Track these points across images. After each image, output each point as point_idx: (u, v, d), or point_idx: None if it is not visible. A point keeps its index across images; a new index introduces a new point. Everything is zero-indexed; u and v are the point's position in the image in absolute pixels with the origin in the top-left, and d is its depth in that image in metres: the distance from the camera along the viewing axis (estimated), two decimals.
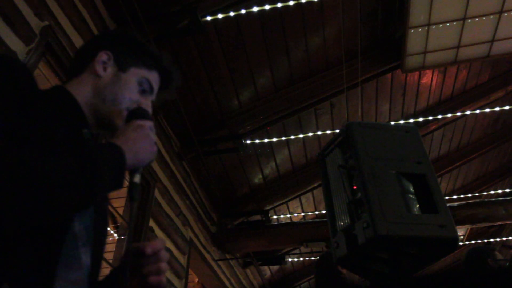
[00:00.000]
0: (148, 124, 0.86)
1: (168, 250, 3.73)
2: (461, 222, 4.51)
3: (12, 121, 0.68)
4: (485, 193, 6.97)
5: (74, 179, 0.65)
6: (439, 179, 4.99)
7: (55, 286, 0.68)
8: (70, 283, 0.72)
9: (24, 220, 0.61)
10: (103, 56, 0.95)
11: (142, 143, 0.82)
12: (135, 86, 0.96)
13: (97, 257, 0.82)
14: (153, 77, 1.00)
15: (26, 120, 0.70)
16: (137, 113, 0.89)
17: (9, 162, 0.59)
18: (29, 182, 0.59)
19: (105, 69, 0.94)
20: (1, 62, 0.73)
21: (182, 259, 4.05)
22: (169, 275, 3.75)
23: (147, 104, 0.96)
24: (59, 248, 0.70)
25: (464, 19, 3.86)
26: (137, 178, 0.84)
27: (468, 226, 5.70)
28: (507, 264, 2.61)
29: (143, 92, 0.97)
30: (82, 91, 0.90)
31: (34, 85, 0.77)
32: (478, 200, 5.88)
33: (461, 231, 7.06)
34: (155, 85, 1.01)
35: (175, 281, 3.84)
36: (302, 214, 5.96)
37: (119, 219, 3.80)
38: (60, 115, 0.81)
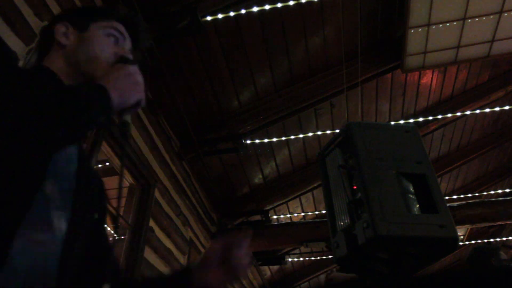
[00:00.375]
0: (131, 67, 0.86)
1: (168, 250, 3.73)
2: (461, 222, 4.51)
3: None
4: (485, 193, 6.98)
5: (61, 107, 0.67)
6: (439, 179, 4.99)
7: (15, 244, 0.66)
8: (34, 243, 0.71)
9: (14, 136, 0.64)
10: (61, 28, 0.96)
11: (124, 81, 0.83)
12: (104, 39, 0.95)
13: (80, 224, 0.81)
14: (117, 25, 0.99)
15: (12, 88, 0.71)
16: (120, 59, 0.90)
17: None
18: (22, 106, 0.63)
19: (67, 38, 0.95)
20: None
21: (182, 259, 4.04)
22: None
23: (124, 51, 0.96)
24: (25, 207, 0.68)
25: (464, 19, 3.86)
26: (128, 118, 0.87)
27: (468, 226, 5.70)
28: (511, 264, 2.59)
29: (116, 41, 0.97)
30: (55, 66, 0.91)
31: (15, 63, 0.79)
32: (478, 200, 5.88)
33: (461, 231, 7.06)
34: (123, 32, 1.00)
35: None
36: (302, 214, 5.96)
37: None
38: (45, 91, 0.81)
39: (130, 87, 0.83)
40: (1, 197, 0.66)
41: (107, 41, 0.95)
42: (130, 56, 0.95)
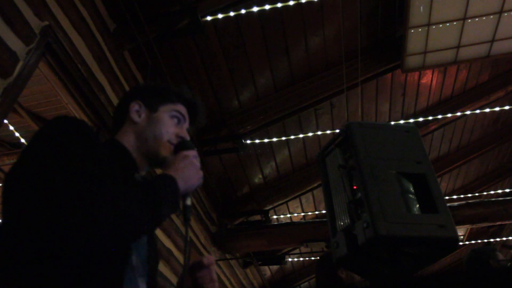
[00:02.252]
0: (192, 153, 1.02)
1: (168, 250, 3.73)
2: (461, 222, 4.51)
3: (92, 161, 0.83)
4: (485, 193, 6.97)
5: (143, 206, 0.80)
6: (439, 179, 4.99)
7: None
8: None
9: (103, 238, 0.75)
10: (134, 106, 1.11)
11: (189, 170, 0.97)
12: (169, 120, 1.10)
13: (152, 285, 0.95)
14: (181, 108, 1.15)
15: (99, 163, 0.85)
16: (182, 145, 1.05)
17: (99, 193, 0.74)
18: (112, 209, 0.74)
19: (139, 115, 1.10)
20: (75, 122, 0.90)
21: (182, 259, 4.04)
22: (169, 275, 3.75)
23: (183, 132, 1.11)
24: (121, 279, 0.82)
25: (464, 19, 3.86)
26: (188, 201, 1.01)
27: (468, 226, 5.70)
28: (509, 264, 2.60)
29: (177, 122, 1.12)
30: (127, 139, 1.06)
31: (97, 139, 0.93)
32: (478, 200, 5.87)
33: (461, 231, 7.06)
34: (186, 115, 1.16)
35: (175, 281, 3.84)
36: (302, 214, 5.96)
37: None
38: (116, 162, 0.96)
39: (194, 175, 0.98)
40: (99, 273, 0.79)
41: (171, 122, 1.10)
42: (187, 137, 1.11)
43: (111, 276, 0.80)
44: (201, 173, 1.00)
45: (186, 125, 1.15)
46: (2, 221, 0.80)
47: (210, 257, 1.03)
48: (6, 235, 0.78)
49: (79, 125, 0.88)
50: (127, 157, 1.01)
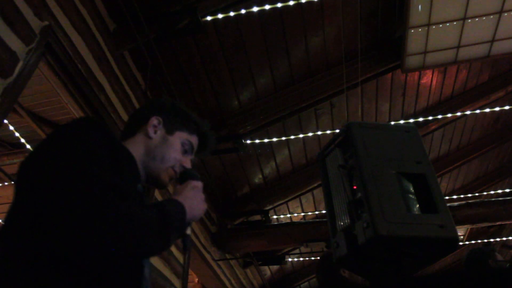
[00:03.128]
0: (200, 185, 1.04)
1: (168, 250, 3.73)
2: (461, 222, 4.51)
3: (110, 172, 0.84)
4: (485, 193, 6.97)
5: (158, 227, 0.81)
6: (439, 179, 4.99)
7: None
8: None
9: (118, 252, 0.76)
10: (154, 120, 1.11)
11: (196, 201, 0.99)
12: (179, 147, 1.12)
13: None
14: (194, 140, 1.17)
15: (120, 177, 0.88)
16: (190, 175, 1.06)
17: (116, 210, 0.76)
18: (130, 227, 0.76)
19: (155, 132, 1.11)
20: (95, 124, 0.90)
21: (182, 259, 4.04)
22: (169, 275, 3.75)
23: (187, 162, 1.12)
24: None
25: (464, 19, 3.86)
26: (188, 230, 1.00)
27: (468, 226, 5.70)
28: (508, 265, 2.61)
29: (185, 152, 1.13)
30: (136, 149, 1.06)
31: (116, 142, 0.95)
32: (478, 200, 5.87)
33: (461, 231, 7.06)
34: (195, 147, 1.18)
35: (175, 281, 3.84)
36: (302, 214, 5.96)
37: None
38: (128, 172, 0.97)
39: (200, 206, 1.00)
40: (126, 280, 0.84)
41: (179, 149, 1.12)
42: (190, 167, 1.12)
43: (131, 286, 0.85)
44: (205, 206, 1.03)
45: (191, 156, 1.17)
46: (12, 218, 0.81)
47: None
48: (19, 236, 0.78)
49: (106, 132, 0.90)
50: (134, 167, 1.02)
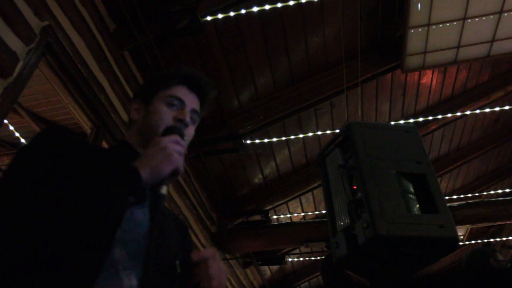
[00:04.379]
0: (168, 139, 0.94)
1: None
2: (461, 222, 4.51)
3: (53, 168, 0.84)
4: (485, 193, 6.97)
5: (77, 202, 0.77)
6: (439, 179, 4.98)
7: None
8: None
9: (47, 233, 0.75)
10: (134, 105, 1.13)
11: (157, 157, 0.90)
12: (163, 108, 1.06)
13: (153, 278, 0.90)
14: (177, 91, 1.10)
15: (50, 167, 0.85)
16: (165, 131, 1.01)
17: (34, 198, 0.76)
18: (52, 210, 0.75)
19: (138, 113, 1.11)
20: (52, 131, 0.94)
21: None
22: None
23: (183, 114, 1.06)
24: (95, 272, 0.80)
25: (464, 19, 3.86)
26: (163, 189, 0.92)
27: (468, 226, 5.70)
28: (509, 264, 2.62)
29: (172, 106, 1.07)
30: (132, 138, 1.08)
31: (79, 142, 0.94)
32: (478, 200, 5.88)
33: (461, 231, 7.05)
34: (183, 96, 1.09)
35: None
36: (302, 214, 5.96)
37: None
38: (125, 161, 0.93)
39: (162, 161, 0.90)
40: (77, 263, 0.78)
41: (167, 110, 1.06)
42: (187, 118, 1.06)
43: (81, 272, 0.79)
44: (175, 158, 0.92)
45: (190, 105, 1.09)
46: None
47: (206, 251, 0.98)
48: None
49: (53, 133, 0.91)
50: (135, 155, 0.98)
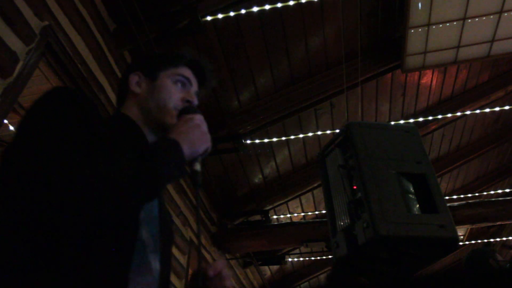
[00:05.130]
0: (197, 116, 0.94)
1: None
2: (461, 222, 4.50)
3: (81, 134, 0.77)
4: (485, 193, 6.97)
5: (137, 172, 0.73)
6: (439, 179, 4.98)
7: None
8: (142, 286, 0.79)
9: (100, 210, 0.70)
10: (133, 77, 1.06)
11: (194, 133, 0.89)
12: (172, 86, 1.04)
13: (166, 263, 0.89)
14: (185, 71, 1.08)
15: (91, 133, 0.79)
16: (185, 110, 0.98)
17: (81, 165, 0.69)
18: (99, 178, 0.69)
19: (140, 87, 1.04)
20: (70, 92, 0.84)
21: (182, 259, 4.04)
22: None
23: (189, 95, 1.04)
24: (130, 254, 0.77)
25: (464, 19, 3.86)
26: (197, 166, 0.92)
27: (468, 226, 5.69)
28: (508, 265, 2.62)
29: (182, 86, 1.05)
30: (132, 112, 1.01)
31: (95, 109, 0.86)
32: (478, 200, 5.87)
33: (461, 231, 7.05)
34: (190, 76, 1.08)
35: (175, 281, 3.84)
36: (302, 214, 5.96)
37: None
38: (126, 135, 0.92)
39: (200, 138, 0.90)
40: (111, 247, 0.74)
41: (175, 88, 1.04)
42: (195, 101, 1.04)
43: (119, 251, 0.75)
44: (208, 136, 0.92)
45: (194, 88, 1.08)
46: None
47: (218, 263, 0.94)
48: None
49: (75, 96, 0.83)
50: (136, 130, 0.96)
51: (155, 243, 0.85)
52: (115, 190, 0.71)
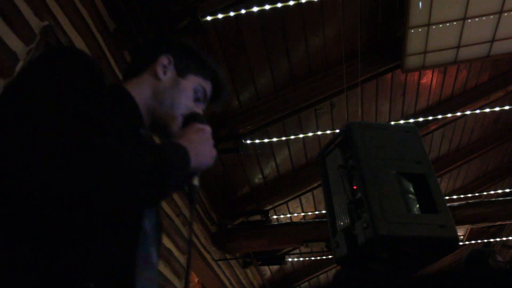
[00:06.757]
0: (208, 129, 0.89)
1: (168, 250, 3.73)
2: (461, 222, 4.50)
3: (90, 109, 0.68)
4: (485, 193, 6.97)
5: (151, 170, 0.65)
6: (439, 179, 4.98)
7: (137, 284, 0.69)
8: (147, 280, 0.74)
9: (110, 203, 0.63)
10: (164, 60, 0.97)
11: (203, 146, 0.83)
12: (191, 93, 0.98)
13: (158, 256, 0.84)
14: (208, 87, 1.03)
15: (100, 111, 0.71)
16: (196, 118, 0.93)
17: (97, 149, 0.60)
18: (116, 167, 0.61)
19: (165, 72, 0.96)
20: (80, 55, 0.74)
21: (182, 259, 4.04)
22: (169, 275, 3.75)
23: (199, 110, 1.00)
24: (135, 246, 0.71)
25: (464, 19, 3.86)
26: (196, 181, 0.87)
27: (468, 226, 5.69)
28: (507, 265, 2.62)
29: (197, 100, 1.00)
30: (141, 92, 0.92)
31: (104, 81, 0.77)
32: (478, 200, 5.87)
33: (461, 231, 7.06)
34: (208, 95, 1.04)
35: (175, 281, 3.83)
36: (302, 214, 5.96)
37: None
38: (120, 113, 0.82)
39: (208, 152, 0.84)
40: (115, 239, 0.68)
41: (191, 95, 0.98)
42: (202, 115, 0.98)
43: (124, 241, 0.69)
44: (214, 153, 0.87)
45: (203, 106, 1.04)
46: None
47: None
48: None
49: (86, 61, 0.73)
50: (134, 110, 0.88)
51: (155, 235, 0.81)
52: (124, 182, 0.63)
